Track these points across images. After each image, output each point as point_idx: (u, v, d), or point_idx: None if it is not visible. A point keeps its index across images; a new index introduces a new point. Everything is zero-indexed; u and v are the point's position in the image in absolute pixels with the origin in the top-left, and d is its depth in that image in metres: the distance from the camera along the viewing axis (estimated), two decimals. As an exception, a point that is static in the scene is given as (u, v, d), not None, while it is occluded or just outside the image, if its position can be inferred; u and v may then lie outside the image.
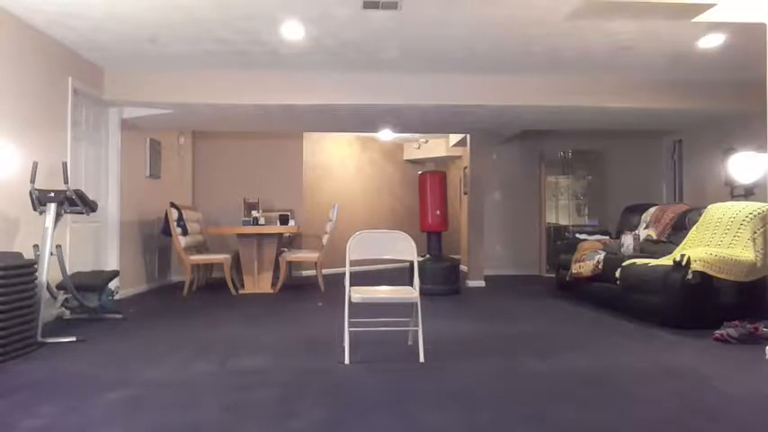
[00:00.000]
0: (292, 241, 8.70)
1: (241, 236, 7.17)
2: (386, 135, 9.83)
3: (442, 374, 3.35)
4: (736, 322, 4.20)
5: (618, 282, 5.40)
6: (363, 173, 10.86)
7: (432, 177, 7.28)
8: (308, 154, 9.55)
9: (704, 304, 4.56)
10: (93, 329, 4.63)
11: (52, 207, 4.31)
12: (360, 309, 3.61)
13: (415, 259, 3.79)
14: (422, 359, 3.53)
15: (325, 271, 7.59)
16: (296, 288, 7.57)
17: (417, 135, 10.49)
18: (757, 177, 5.60)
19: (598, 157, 9.72)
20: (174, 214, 6.94)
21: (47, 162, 4.80)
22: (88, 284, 5.04)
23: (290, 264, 7.76)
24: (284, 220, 7.85)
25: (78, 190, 4.53)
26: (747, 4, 4.10)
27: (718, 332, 4.20)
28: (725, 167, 6.25)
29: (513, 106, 6.49)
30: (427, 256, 7.16)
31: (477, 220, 8.19)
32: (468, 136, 8.51)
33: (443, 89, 6.26)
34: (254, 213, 7.76)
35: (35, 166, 4.35)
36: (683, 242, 5.35)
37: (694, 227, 5.37)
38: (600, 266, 5.93)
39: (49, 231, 4.27)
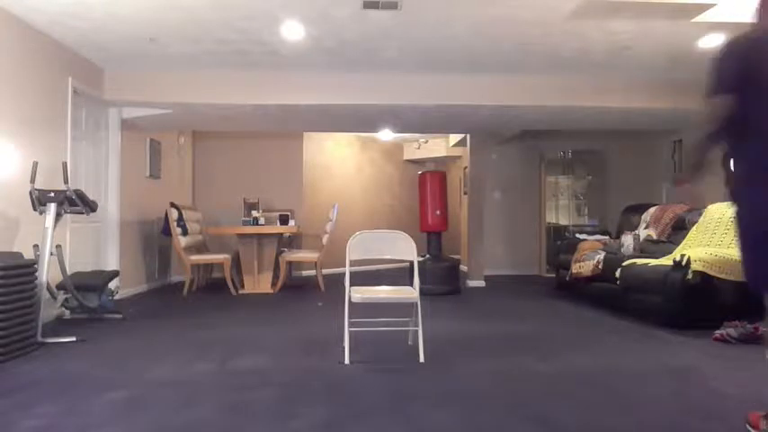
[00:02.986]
0: (292, 241, 8.69)
1: (241, 236, 7.17)
2: (386, 135, 9.83)
3: (442, 374, 3.35)
4: (736, 322, 4.20)
5: (618, 282, 5.40)
6: (363, 173, 10.86)
7: (432, 177, 7.28)
8: (308, 154, 9.55)
9: (704, 304, 4.55)
10: (94, 329, 4.63)
11: (52, 207, 4.30)
12: (360, 309, 3.61)
13: (415, 259, 3.79)
14: (422, 359, 3.53)
15: (325, 271, 7.60)
16: (296, 288, 7.57)
17: (417, 135, 10.49)
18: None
19: (598, 157, 9.73)
20: (174, 214, 6.94)
21: (47, 162, 4.79)
22: (88, 284, 5.04)
23: (290, 264, 7.75)
24: (284, 220, 7.85)
25: (78, 190, 4.53)
26: (747, 4, 4.09)
27: (718, 332, 4.20)
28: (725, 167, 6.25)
29: (513, 106, 6.48)
30: (427, 256, 7.15)
31: (477, 220, 8.19)
32: (468, 136, 8.51)
33: (443, 89, 6.25)
34: (254, 213, 7.75)
35: (35, 166, 4.35)
36: (683, 242, 5.35)
37: (694, 227, 5.37)
38: (600, 266, 5.92)
39: (49, 231, 4.27)
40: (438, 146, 10.91)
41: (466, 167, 9.08)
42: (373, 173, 11.09)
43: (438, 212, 7.18)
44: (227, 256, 7.13)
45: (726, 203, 5.25)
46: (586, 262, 6.23)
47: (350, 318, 3.57)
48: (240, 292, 7.06)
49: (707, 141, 2.28)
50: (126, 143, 6.64)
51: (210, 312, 5.71)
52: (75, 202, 4.45)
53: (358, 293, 3.57)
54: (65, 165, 4.66)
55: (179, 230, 6.97)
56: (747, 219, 2.25)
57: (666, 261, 4.94)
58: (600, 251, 6.26)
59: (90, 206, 4.60)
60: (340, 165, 10.34)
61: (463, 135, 8.97)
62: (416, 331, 3.63)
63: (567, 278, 6.68)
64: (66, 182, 4.54)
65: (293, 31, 4.89)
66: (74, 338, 4.18)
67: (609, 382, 3.21)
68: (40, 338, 4.01)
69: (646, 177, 9.35)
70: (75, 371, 3.41)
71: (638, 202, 7.35)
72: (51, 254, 4.28)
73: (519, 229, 9.67)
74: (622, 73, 6.12)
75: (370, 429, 2.47)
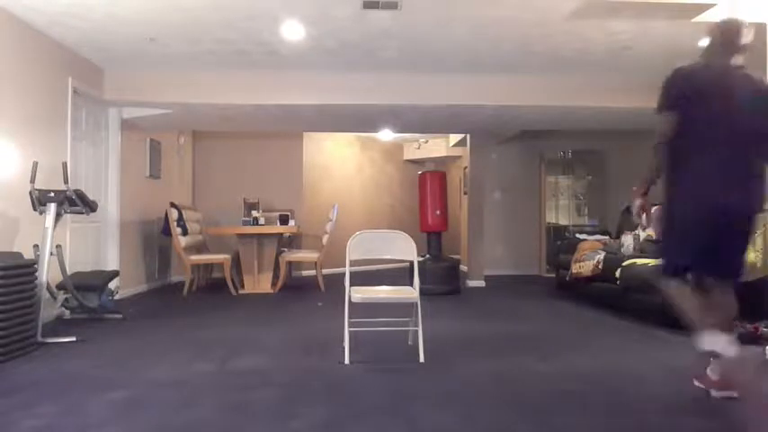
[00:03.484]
0: (292, 241, 8.70)
1: (241, 236, 7.17)
2: (386, 135, 9.83)
3: (442, 374, 3.35)
4: (737, 322, 4.20)
5: (618, 282, 5.40)
6: (363, 173, 10.86)
7: (432, 177, 7.28)
8: (308, 154, 9.55)
9: (704, 304, 4.54)
10: (93, 329, 4.63)
11: (52, 207, 4.30)
12: (360, 309, 3.61)
13: (415, 259, 3.79)
14: (422, 359, 3.53)
15: (325, 271, 7.59)
16: (296, 288, 7.57)
17: (417, 135, 10.49)
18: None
19: (598, 157, 9.72)
20: (174, 214, 6.94)
21: (47, 162, 4.79)
22: (88, 284, 5.04)
23: (290, 264, 7.75)
24: (284, 220, 7.85)
25: (78, 190, 4.53)
26: (747, 4, 4.10)
27: (718, 332, 4.19)
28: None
29: (513, 106, 6.48)
30: (427, 256, 7.15)
31: (477, 220, 8.19)
32: (468, 136, 8.51)
33: (443, 89, 6.25)
34: (254, 213, 7.76)
35: (35, 165, 4.35)
36: (683, 242, 5.34)
37: (694, 227, 5.36)
38: (600, 266, 5.92)
39: (49, 231, 4.27)
40: (438, 146, 10.91)
41: (466, 167, 9.08)
42: (373, 173, 11.08)
43: (438, 212, 7.18)
44: (227, 256, 7.12)
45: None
46: (586, 262, 6.23)
47: (350, 318, 3.57)
48: (240, 292, 7.05)
49: (659, 150, 2.85)
50: (126, 143, 6.64)
51: (210, 312, 5.71)
52: (75, 202, 4.45)
53: (358, 293, 3.57)
54: (65, 165, 4.66)
55: (179, 230, 6.96)
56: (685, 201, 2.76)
57: (666, 261, 4.93)
58: (600, 251, 6.26)
59: (90, 206, 4.60)
60: (340, 165, 10.33)
61: (463, 135, 8.97)
62: (416, 331, 3.63)
63: (567, 278, 6.68)
64: (66, 182, 4.54)
65: (293, 31, 4.89)
66: (74, 338, 4.18)
67: (609, 382, 3.21)
68: (40, 338, 4.01)
69: (646, 177, 9.34)
70: (75, 371, 3.41)
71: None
72: (51, 254, 4.28)
73: (519, 229, 9.67)
74: (622, 73, 6.12)
75: (370, 429, 2.47)
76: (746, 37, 2.88)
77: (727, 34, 2.89)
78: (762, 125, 2.72)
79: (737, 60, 2.86)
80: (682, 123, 2.74)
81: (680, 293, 2.78)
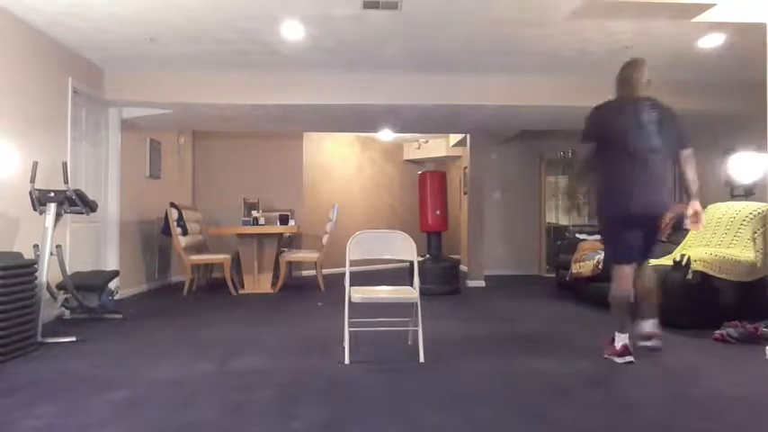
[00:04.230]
0: (292, 241, 8.70)
1: (241, 236, 7.17)
2: (386, 135, 9.83)
3: (442, 374, 3.35)
4: (736, 322, 4.20)
5: (618, 282, 5.38)
6: (363, 173, 10.86)
7: (432, 177, 7.28)
8: (308, 154, 9.55)
9: (704, 304, 4.55)
10: (93, 329, 4.63)
11: (52, 207, 4.30)
12: (360, 309, 3.61)
13: (415, 259, 3.79)
14: (422, 359, 3.53)
15: (325, 271, 7.60)
16: (296, 288, 7.57)
17: (417, 135, 10.49)
18: (757, 177, 5.60)
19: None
20: (173, 214, 6.94)
21: (47, 162, 4.79)
22: (88, 284, 5.04)
23: (290, 264, 7.76)
24: (284, 220, 7.85)
25: (78, 190, 4.53)
26: (747, 4, 4.10)
27: (718, 332, 4.20)
28: (725, 167, 6.26)
29: (513, 106, 6.48)
30: (427, 256, 7.15)
31: (477, 220, 8.19)
32: (468, 136, 8.51)
33: (443, 89, 6.25)
34: (254, 213, 7.76)
35: (35, 166, 4.35)
36: (683, 242, 5.35)
37: (694, 227, 5.37)
38: (600, 266, 5.92)
39: (49, 231, 4.27)
40: (438, 146, 10.91)
41: (466, 167, 9.08)
42: (373, 173, 11.08)
43: (438, 212, 7.18)
44: (227, 256, 7.13)
45: (726, 203, 5.27)
46: (586, 262, 6.23)
47: (350, 318, 3.57)
48: (240, 292, 7.05)
49: (579, 174, 3.93)
50: (126, 143, 6.64)
51: (210, 312, 5.71)
52: (75, 202, 4.45)
53: (358, 293, 3.57)
54: (65, 165, 4.66)
55: (179, 230, 6.97)
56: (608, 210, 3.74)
57: (666, 261, 4.93)
58: (600, 251, 6.25)
59: (90, 206, 4.60)
60: (340, 165, 10.34)
61: (463, 135, 8.97)
62: (416, 331, 3.63)
63: (567, 278, 6.68)
64: (66, 182, 4.54)
65: (293, 31, 4.89)
66: (74, 338, 4.18)
67: (609, 383, 3.21)
68: (40, 338, 4.01)
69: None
70: (75, 371, 3.41)
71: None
72: (51, 254, 4.28)
73: (519, 229, 9.67)
74: (622, 73, 6.11)
75: (370, 429, 2.47)
76: (646, 74, 3.67)
77: (631, 72, 3.72)
78: (671, 139, 3.57)
79: (645, 92, 3.64)
80: (606, 148, 3.58)
81: (625, 274, 3.61)
